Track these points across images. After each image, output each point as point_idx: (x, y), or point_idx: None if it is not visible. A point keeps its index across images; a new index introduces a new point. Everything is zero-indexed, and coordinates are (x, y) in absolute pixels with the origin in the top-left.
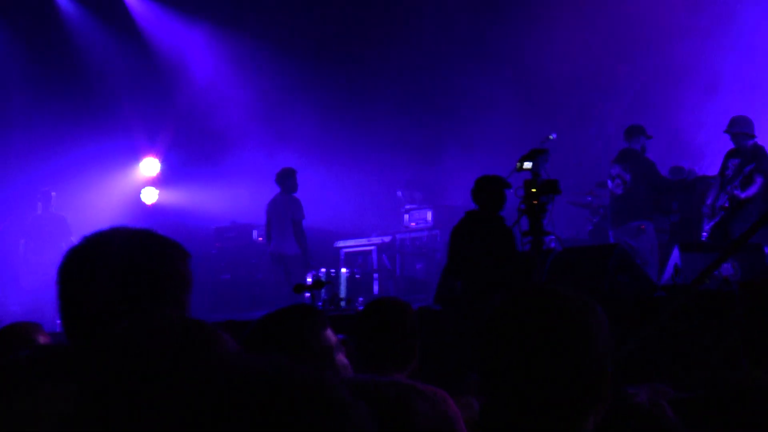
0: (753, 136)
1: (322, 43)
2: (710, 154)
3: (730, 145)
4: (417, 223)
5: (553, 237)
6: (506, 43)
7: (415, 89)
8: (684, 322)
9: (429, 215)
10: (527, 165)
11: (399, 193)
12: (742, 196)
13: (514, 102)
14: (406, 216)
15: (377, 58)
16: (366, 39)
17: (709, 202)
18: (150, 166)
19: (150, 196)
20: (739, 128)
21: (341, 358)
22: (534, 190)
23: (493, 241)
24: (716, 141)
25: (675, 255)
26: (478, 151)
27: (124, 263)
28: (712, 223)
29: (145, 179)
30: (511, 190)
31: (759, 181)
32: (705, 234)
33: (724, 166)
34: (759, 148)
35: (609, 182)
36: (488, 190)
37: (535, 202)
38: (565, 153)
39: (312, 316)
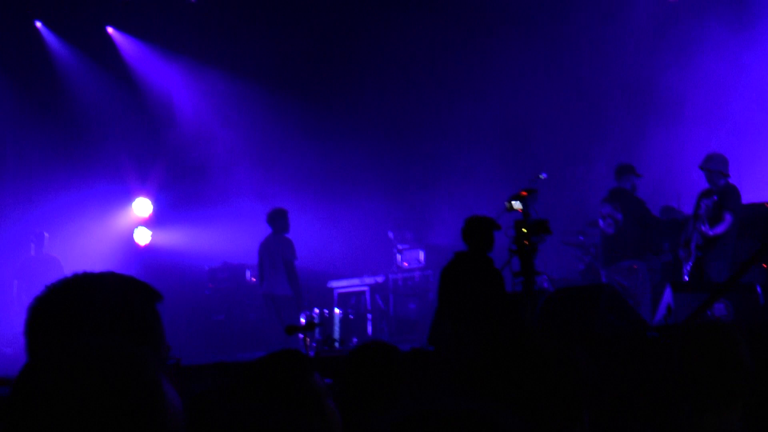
0: (727, 176)
1: (312, 85)
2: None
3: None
4: (409, 263)
5: (545, 277)
6: (494, 82)
7: (405, 129)
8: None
9: (421, 255)
10: (516, 205)
11: (390, 234)
12: (710, 233)
13: (502, 142)
14: (399, 256)
15: (366, 98)
16: (355, 79)
17: (682, 242)
18: (142, 206)
19: (143, 237)
20: (715, 165)
21: (329, 403)
22: (524, 230)
23: (482, 283)
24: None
25: (667, 295)
26: (467, 189)
27: (88, 310)
28: (689, 264)
29: (137, 220)
30: (501, 231)
31: (728, 219)
32: (686, 276)
33: (697, 206)
34: (730, 186)
35: (600, 221)
36: (477, 230)
37: (526, 242)
38: (555, 192)
39: (299, 363)
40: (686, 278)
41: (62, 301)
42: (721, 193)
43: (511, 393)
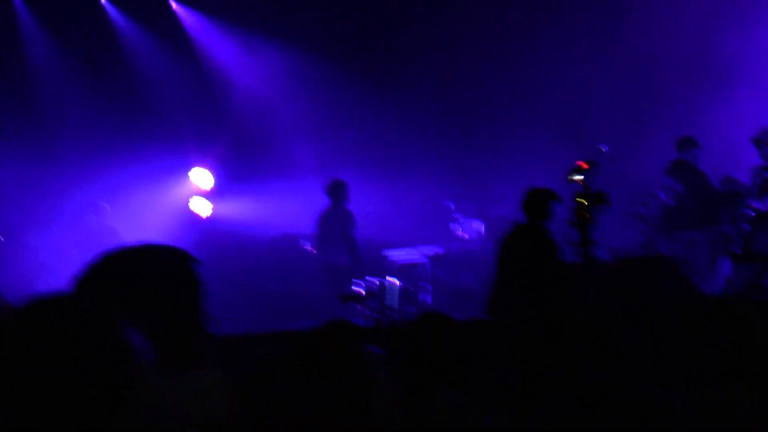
0: None
1: (373, 59)
2: None
3: None
4: (469, 235)
5: (604, 248)
6: (552, 56)
7: (464, 102)
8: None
9: (481, 227)
10: (577, 177)
11: (450, 204)
12: (764, 208)
13: (562, 116)
14: (458, 227)
15: (427, 72)
16: (416, 53)
17: (738, 218)
18: (203, 178)
19: (204, 208)
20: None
21: (381, 374)
22: (584, 202)
23: (538, 253)
24: None
25: (726, 266)
26: (528, 163)
27: (128, 278)
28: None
29: (198, 192)
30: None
31: None
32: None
33: (754, 181)
34: None
35: (661, 193)
36: (536, 201)
37: (586, 214)
38: (616, 165)
39: (348, 333)
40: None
41: (105, 269)
42: None
43: (563, 364)
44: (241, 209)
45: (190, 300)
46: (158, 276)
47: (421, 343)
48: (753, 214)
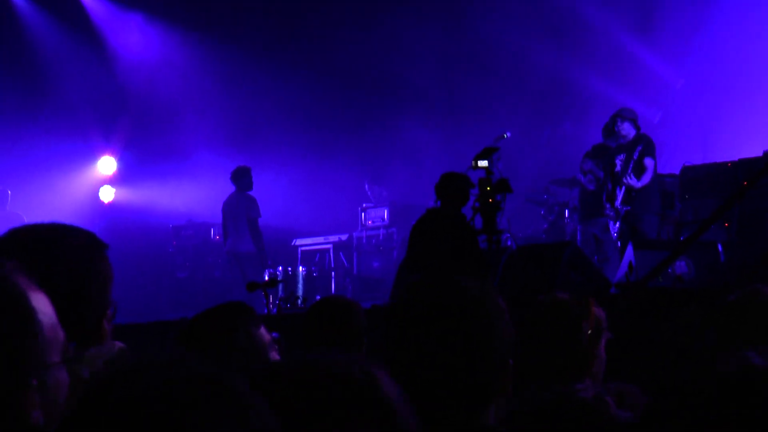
0: (639, 127)
1: (281, 39)
2: (667, 153)
3: (687, 145)
4: (373, 221)
5: (508, 235)
6: (465, 39)
7: (370, 88)
8: (636, 319)
9: (385, 213)
10: (482, 163)
11: (366, 187)
12: (638, 185)
13: (472, 101)
14: (363, 214)
15: (335, 56)
16: (324, 39)
17: (608, 204)
18: (107, 164)
19: (107, 194)
20: (630, 114)
21: (274, 355)
22: (488, 188)
23: (457, 239)
24: (674, 139)
25: (629, 252)
26: (430, 150)
27: (41, 259)
28: (619, 223)
29: (102, 178)
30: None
31: (650, 165)
32: (615, 235)
33: (612, 165)
34: (644, 136)
35: (581, 177)
36: (453, 187)
37: (490, 200)
38: (520, 151)
39: (243, 314)
40: (614, 237)
41: (10, 243)
42: (639, 143)
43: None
44: (145, 195)
45: (96, 279)
46: (65, 253)
47: (315, 327)
48: (628, 197)
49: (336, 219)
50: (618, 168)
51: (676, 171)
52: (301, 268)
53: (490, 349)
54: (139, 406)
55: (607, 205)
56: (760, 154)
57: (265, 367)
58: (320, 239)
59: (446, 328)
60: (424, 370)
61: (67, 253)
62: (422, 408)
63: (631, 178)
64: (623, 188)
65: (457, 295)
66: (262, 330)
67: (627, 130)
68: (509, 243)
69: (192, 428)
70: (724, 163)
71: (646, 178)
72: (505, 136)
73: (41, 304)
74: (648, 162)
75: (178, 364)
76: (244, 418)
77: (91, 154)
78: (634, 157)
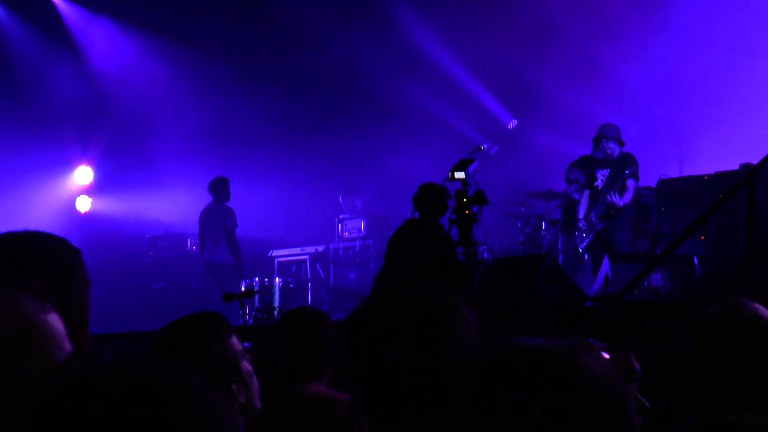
0: (622, 143)
1: (255, 50)
2: (643, 165)
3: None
4: (350, 233)
5: (484, 247)
6: (441, 53)
7: (347, 99)
8: (613, 331)
9: (362, 225)
10: (459, 175)
11: (340, 199)
12: (621, 203)
13: (448, 114)
14: (340, 226)
15: (311, 68)
16: (301, 47)
17: (581, 216)
18: (84, 174)
19: (84, 204)
20: (612, 133)
21: (245, 365)
22: (465, 200)
23: (436, 249)
24: (650, 152)
25: (605, 265)
26: (407, 161)
27: (20, 268)
28: (591, 236)
29: (79, 188)
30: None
31: (632, 185)
32: (581, 248)
33: (593, 178)
34: (628, 155)
35: (566, 186)
36: (431, 197)
37: (467, 212)
38: (497, 164)
39: (216, 324)
40: (581, 250)
41: None
42: (624, 163)
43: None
44: (122, 205)
45: (77, 284)
46: (44, 261)
47: (285, 336)
48: (605, 212)
49: (313, 230)
50: (598, 183)
51: (652, 183)
52: (277, 279)
53: (450, 357)
54: (102, 404)
55: (581, 218)
56: (736, 167)
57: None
58: (297, 250)
59: (404, 334)
60: (382, 377)
61: (46, 260)
62: (384, 418)
63: (614, 196)
64: (603, 204)
65: (418, 302)
66: (234, 339)
67: (612, 148)
68: (486, 255)
69: (151, 425)
70: (701, 176)
71: (628, 197)
72: (482, 147)
73: (55, 325)
74: (630, 183)
75: (138, 364)
76: (201, 416)
77: (67, 164)
78: (624, 176)
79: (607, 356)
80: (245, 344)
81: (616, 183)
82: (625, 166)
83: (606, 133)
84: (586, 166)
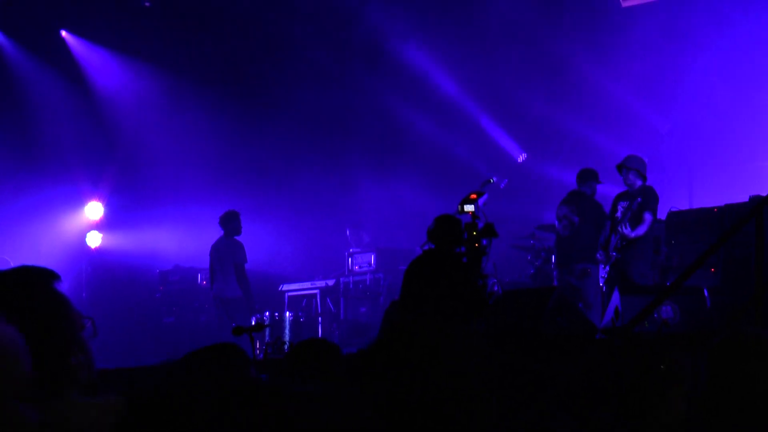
0: (645, 177)
1: (264, 87)
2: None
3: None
4: (360, 267)
5: (494, 280)
6: (450, 86)
7: (352, 134)
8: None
9: (372, 258)
10: (468, 208)
11: (347, 233)
12: (632, 235)
13: (456, 145)
14: (350, 259)
15: (315, 103)
16: (309, 81)
17: (601, 249)
18: (94, 209)
19: (94, 239)
20: (633, 164)
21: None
22: (474, 233)
23: (455, 279)
24: (660, 184)
25: (615, 298)
26: (416, 196)
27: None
28: (607, 268)
29: (89, 223)
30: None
31: (648, 219)
32: (602, 279)
33: (613, 209)
34: (649, 188)
35: (556, 223)
36: (447, 227)
37: (476, 245)
38: (507, 197)
39: (235, 355)
40: (601, 282)
41: None
42: (640, 195)
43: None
44: (132, 240)
45: (53, 318)
46: (20, 295)
47: (297, 368)
48: (620, 244)
49: (323, 264)
50: (618, 214)
51: (662, 216)
52: (287, 313)
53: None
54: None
55: (600, 250)
56: (746, 199)
57: None
58: (307, 284)
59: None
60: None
61: (18, 296)
62: None
63: (625, 228)
64: (618, 235)
65: (433, 334)
66: (252, 371)
67: (632, 180)
68: (495, 288)
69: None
70: (710, 209)
71: (641, 230)
72: (492, 181)
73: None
74: (647, 216)
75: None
76: None
77: (78, 199)
78: (633, 208)
79: None
80: (261, 377)
81: (627, 215)
82: (643, 199)
83: (627, 164)
84: (574, 201)
